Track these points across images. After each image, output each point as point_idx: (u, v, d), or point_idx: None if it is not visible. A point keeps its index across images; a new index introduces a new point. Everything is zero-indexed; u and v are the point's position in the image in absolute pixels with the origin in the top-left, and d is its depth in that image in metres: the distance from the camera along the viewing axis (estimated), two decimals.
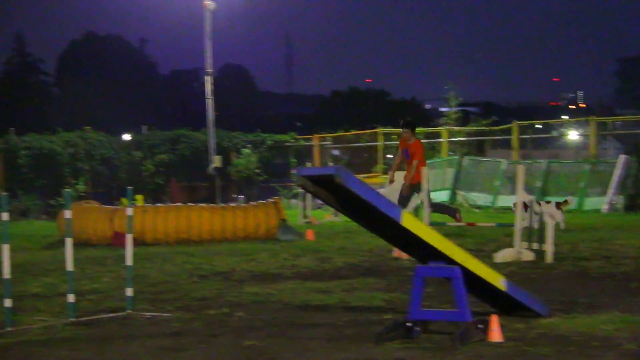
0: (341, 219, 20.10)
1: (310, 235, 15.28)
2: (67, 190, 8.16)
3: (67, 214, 7.70)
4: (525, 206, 11.47)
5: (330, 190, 6.39)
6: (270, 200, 16.01)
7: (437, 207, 15.57)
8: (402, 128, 15.39)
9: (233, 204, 17.69)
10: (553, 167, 23.08)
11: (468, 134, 28.13)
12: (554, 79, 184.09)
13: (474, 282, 6.59)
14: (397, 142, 28.25)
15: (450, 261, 6.42)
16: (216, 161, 28.98)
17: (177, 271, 11.03)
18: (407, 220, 6.22)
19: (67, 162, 28.76)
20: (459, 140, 27.75)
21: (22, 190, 27.51)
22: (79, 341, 6.72)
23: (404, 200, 15.27)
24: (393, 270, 10.55)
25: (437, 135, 28.51)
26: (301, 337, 6.64)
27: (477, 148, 27.93)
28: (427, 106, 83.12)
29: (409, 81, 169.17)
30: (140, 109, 67.80)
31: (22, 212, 26.63)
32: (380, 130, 29.75)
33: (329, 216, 21.41)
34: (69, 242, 7.63)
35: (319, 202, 25.69)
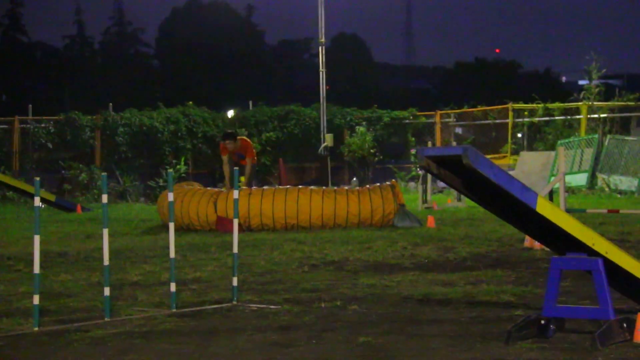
0: (465, 204, 19.99)
1: (431, 222, 15.22)
2: (170, 170, 8.31)
3: (170, 196, 7.83)
4: None
5: (455, 173, 6.34)
6: (386, 183, 15.99)
7: None
8: (224, 141, 17.03)
9: (346, 187, 17.74)
10: None
11: (611, 110, 27.49)
12: None
13: (617, 275, 6.45)
14: (529, 120, 28.05)
15: (591, 252, 6.29)
16: (328, 140, 29.07)
17: (286, 260, 11.13)
18: (543, 206, 6.12)
19: (167, 140, 29.30)
20: (601, 117, 27.15)
21: (120, 171, 28.18)
22: (181, 334, 6.85)
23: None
24: (524, 262, 10.42)
25: (576, 111, 27.95)
26: (421, 334, 6.62)
27: (622, 126, 27.28)
28: (564, 79, 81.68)
29: (543, 51, 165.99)
30: (246, 83, 68.55)
31: (120, 193, 27.29)
32: (510, 105, 29.37)
33: (452, 201, 21.31)
34: (171, 227, 7.77)
35: (440, 185, 25.61)
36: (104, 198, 7.56)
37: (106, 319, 7.32)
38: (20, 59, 71.35)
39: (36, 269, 7.09)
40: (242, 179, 16.90)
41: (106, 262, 7.41)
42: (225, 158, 17.06)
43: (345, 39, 79.43)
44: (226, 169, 16.98)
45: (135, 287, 9.11)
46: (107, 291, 7.37)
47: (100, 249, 7.57)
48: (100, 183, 25.90)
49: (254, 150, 17.56)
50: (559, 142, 25.60)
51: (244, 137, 18.08)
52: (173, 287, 7.75)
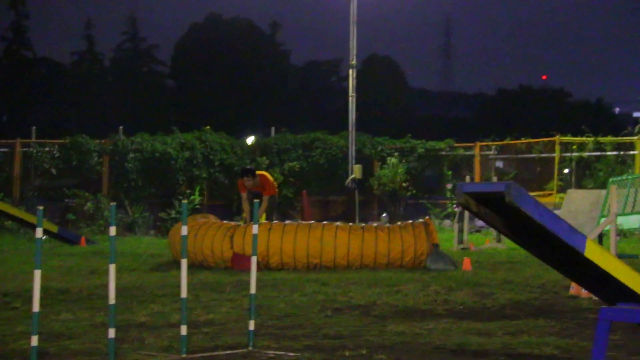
0: (505, 245, 19.92)
1: (467, 264, 15.18)
2: (184, 201, 8.34)
3: (183, 229, 7.85)
4: None
5: (496, 211, 6.34)
6: (419, 220, 15.97)
7: None
8: (242, 177, 17.54)
9: (375, 224, 17.73)
10: None
11: None
12: None
13: None
14: (577, 154, 28.00)
15: None
16: (356, 171, 29.11)
17: (307, 302, 11.12)
18: (592, 251, 6.11)
19: (181, 168, 29.42)
20: None
21: (128, 200, 28.28)
22: None
23: None
24: (570, 311, 10.37)
25: (630, 146, 27.86)
26: None
27: None
28: (617, 110, 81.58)
29: (595, 79, 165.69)
30: (268, 107, 68.82)
31: (129, 225, 27.38)
32: (557, 138, 29.32)
33: (490, 241, 21.25)
34: (183, 263, 7.78)
35: (479, 224, 25.54)
36: (112, 230, 7.58)
37: None
38: (24, 76, 71.87)
39: (35, 307, 7.11)
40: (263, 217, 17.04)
41: (112, 300, 7.43)
42: (244, 195, 17.28)
43: (377, 61, 79.59)
44: (245, 206, 17.15)
45: (142, 329, 9.13)
46: (111, 333, 7.38)
47: (106, 286, 7.59)
48: (107, 213, 26.02)
49: (273, 186, 17.74)
50: (610, 179, 25.45)
51: (263, 173, 18.26)
52: (184, 329, 7.76)
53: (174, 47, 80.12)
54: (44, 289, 8.91)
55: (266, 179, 17.60)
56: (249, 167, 19.49)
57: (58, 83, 72.67)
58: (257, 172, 17.82)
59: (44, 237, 20.75)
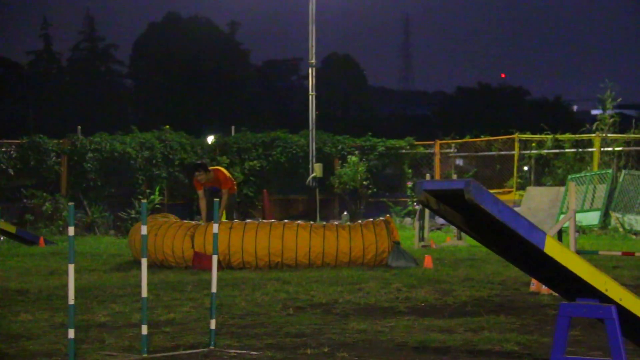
0: (466, 242, 20.02)
1: (428, 262, 15.23)
2: (143, 201, 8.31)
3: (143, 229, 7.83)
4: None
5: (456, 209, 6.36)
6: (380, 218, 16.01)
7: None
8: (194, 173, 17.33)
9: (336, 222, 17.76)
10: None
11: (626, 143, 27.60)
12: None
13: (632, 324, 6.46)
14: (536, 152, 28.18)
15: (603, 298, 6.31)
16: (316, 170, 29.12)
17: (269, 301, 11.12)
18: (552, 247, 6.15)
19: (141, 167, 29.29)
20: (615, 150, 27.27)
21: (87, 200, 28.13)
22: None
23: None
24: (530, 308, 10.43)
25: (588, 143, 28.06)
26: None
27: (637, 161, 27.38)
28: (575, 108, 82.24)
29: (553, 77, 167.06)
30: (228, 106, 68.68)
31: (88, 225, 27.23)
32: (517, 136, 29.47)
33: (451, 239, 21.34)
34: (143, 263, 7.76)
35: (440, 222, 25.65)
36: (71, 230, 7.53)
37: None
38: None
39: None
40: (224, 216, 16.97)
41: (71, 301, 7.38)
42: (200, 193, 17.18)
43: (337, 60, 79.72)
44: (202, 204, 17.05)
45: (102, 329, 9.08)
46: (71, 333, 7.34)
47: (65, 286, 7.55)
48: (66, 214, 25.86)
49: (231, 180, 17.64)
50: (569, 176, 25.68)
51: (218, 168, 18.14)
52: (144, 329, 7.73)
53: (132, 46, 79.82)
54: (2, 290, 8.87)
55: (222, 173, 17.51)
56: (199, 161, 19.34)
57: (15, 83, 72.10)
58: (211, 168, 17.71)
59: (2, 238, 20.66)
